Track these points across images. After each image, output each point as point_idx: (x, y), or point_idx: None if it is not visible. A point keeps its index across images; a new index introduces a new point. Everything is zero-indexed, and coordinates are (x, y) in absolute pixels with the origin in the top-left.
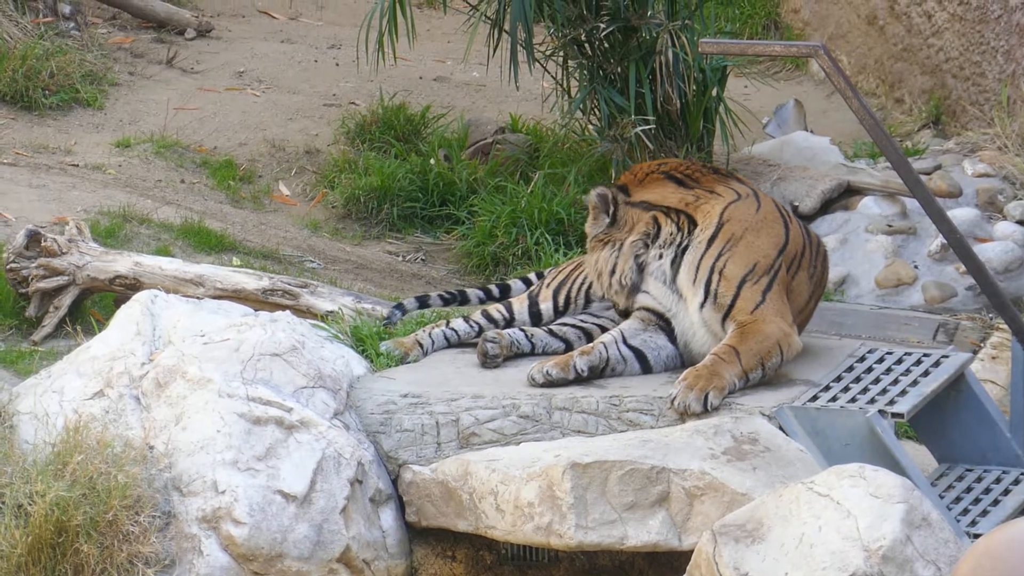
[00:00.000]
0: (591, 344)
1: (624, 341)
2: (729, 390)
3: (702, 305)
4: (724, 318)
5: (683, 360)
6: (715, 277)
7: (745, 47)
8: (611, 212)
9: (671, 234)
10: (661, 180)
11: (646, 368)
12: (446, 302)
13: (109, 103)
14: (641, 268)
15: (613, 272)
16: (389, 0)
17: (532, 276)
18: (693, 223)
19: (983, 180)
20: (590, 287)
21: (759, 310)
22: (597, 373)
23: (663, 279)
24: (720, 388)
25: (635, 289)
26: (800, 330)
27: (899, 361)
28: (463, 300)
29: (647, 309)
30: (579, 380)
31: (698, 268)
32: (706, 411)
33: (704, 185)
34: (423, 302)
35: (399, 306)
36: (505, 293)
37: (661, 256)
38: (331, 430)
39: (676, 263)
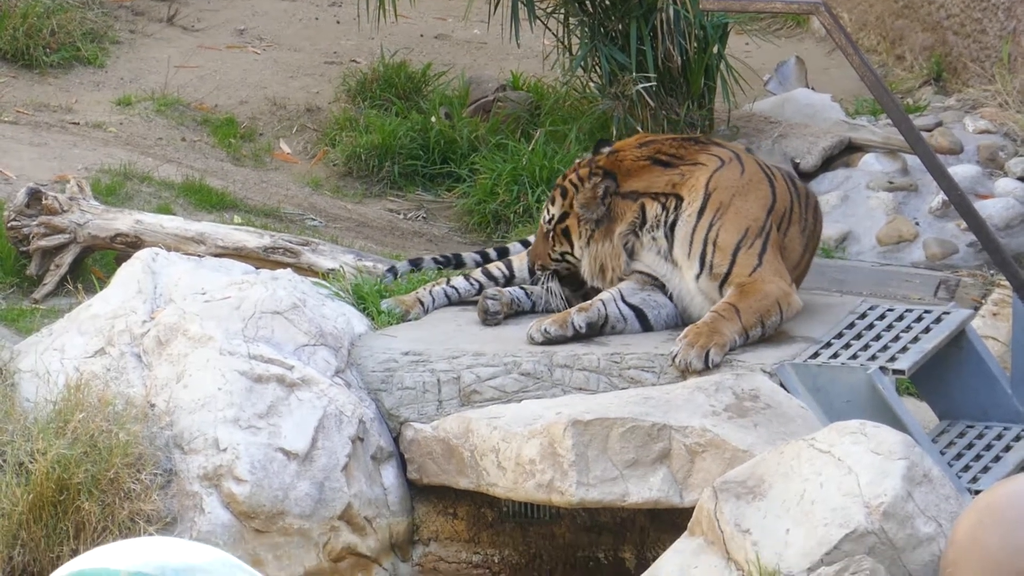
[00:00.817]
0: (589, 301)
1: (623, 299)
2: (730, 347)
3: (698, 276)
4: (721, 285)
5: (683, 321)
6: (709, 248)
7: (746, 4)
8: (607, 204)
9: (656, 215)
10: (647, 166)
11: (646, 326)
12: (441, 266)
13: (110, 61)
14: (631, 254)
15: (612, 269)
16: None
17: (531, 238)
18: (680, 199)
19: (984, 137)
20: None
21: (757, 272)
22: (596, 330)
23: (657, 251)
24: (721, 345)
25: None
26: (797, 285)
27: (900, 318)
28: (459, 263)
29: (642, 273)
30: (578, 337)
31: (691, 241)
32: (707, 368)
33: (688, 159)
34: (416, 265)
35: (391, 270)
36: (503, 256)
37: (655, 239)
38: (332, 388)
39: (669, 239)
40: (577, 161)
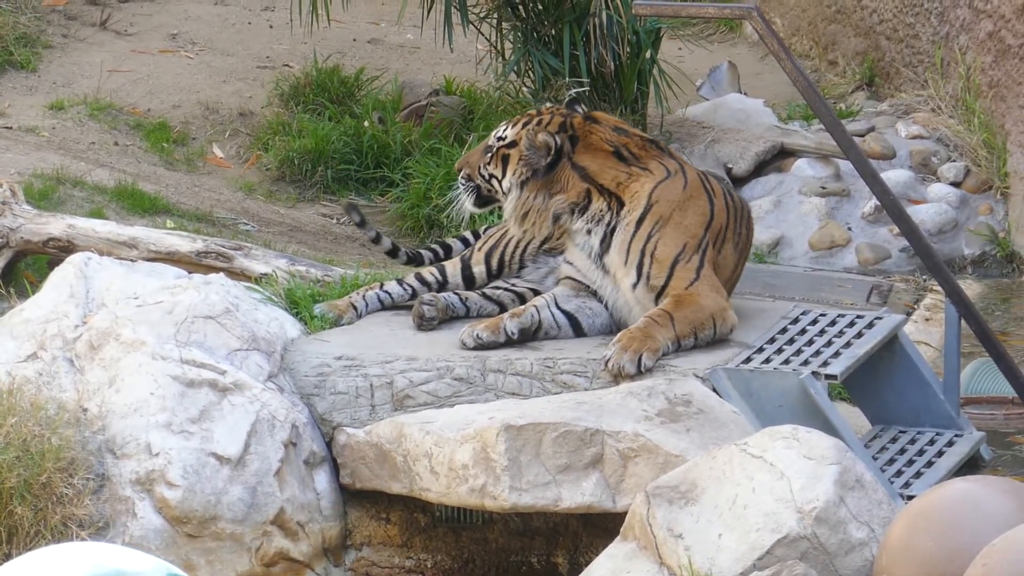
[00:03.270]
0: (523, 307)
1: (557, 305)
2: (663, 352)
3: (635, 285)
4: (657, 297)
5: (617, 329)
6: (647, 260)
7: (679, 9)
8: (552, 161)
9: (600, 211)
10: (607, 153)
11: (580, 333)
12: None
13: (43, 65)
14: (556, 220)
15: (533, 223)
16: None
17: (468, 235)
18: (621, 203)
19: (917, 142)
20: (524, 251)
21: (694, 286)
22: (529, 336)
23: (589, 252)
24: (654, 350)
25: (545, 241)
26: (728, 294)
27: (832, 323)
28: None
29: (572, 279)
30: (510, 343)
31: (628, 250)
32: (640, 373)
33: (641, 162)
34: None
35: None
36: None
37: (590, 232)
38: (265, 392)
39: (605, 242)
40: (556, 107)
